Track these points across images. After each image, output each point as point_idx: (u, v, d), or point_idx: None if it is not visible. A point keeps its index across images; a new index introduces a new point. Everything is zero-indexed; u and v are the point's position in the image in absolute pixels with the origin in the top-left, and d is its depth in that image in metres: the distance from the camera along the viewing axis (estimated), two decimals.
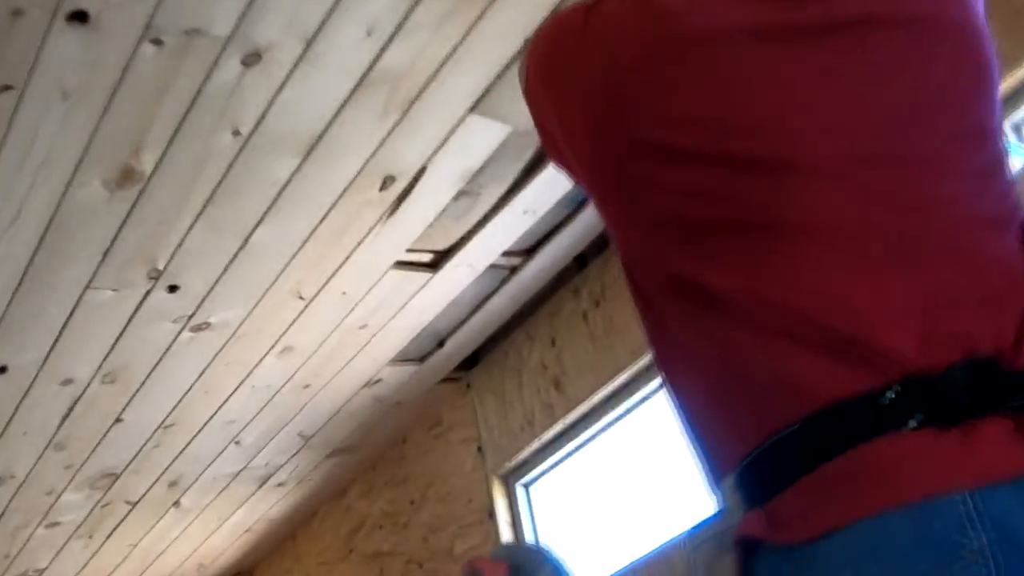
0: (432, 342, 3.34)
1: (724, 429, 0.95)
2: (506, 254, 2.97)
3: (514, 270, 3.07)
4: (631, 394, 3.02)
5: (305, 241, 2.58)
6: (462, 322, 3.25)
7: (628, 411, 3.06)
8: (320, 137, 2.24)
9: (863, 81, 0.95)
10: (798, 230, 0.90)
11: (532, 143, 2.46)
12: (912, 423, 0.83)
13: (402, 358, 3.34)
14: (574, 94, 1.03)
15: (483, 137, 2.38)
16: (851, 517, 0.83)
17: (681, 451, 3.13)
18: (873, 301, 0.87)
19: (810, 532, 0.84)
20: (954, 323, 0.87)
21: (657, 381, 2.93)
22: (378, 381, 3.40)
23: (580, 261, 3.17)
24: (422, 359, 3.39)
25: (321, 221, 2.52)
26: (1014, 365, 0.86)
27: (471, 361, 3.56)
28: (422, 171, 2.44)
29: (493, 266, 3.00)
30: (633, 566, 2.84)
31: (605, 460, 3.18)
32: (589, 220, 2.88)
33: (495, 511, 3.40)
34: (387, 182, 2.44)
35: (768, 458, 0.87)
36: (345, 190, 2.43)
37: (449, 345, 3.35)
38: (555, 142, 1.13)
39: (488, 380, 3.50)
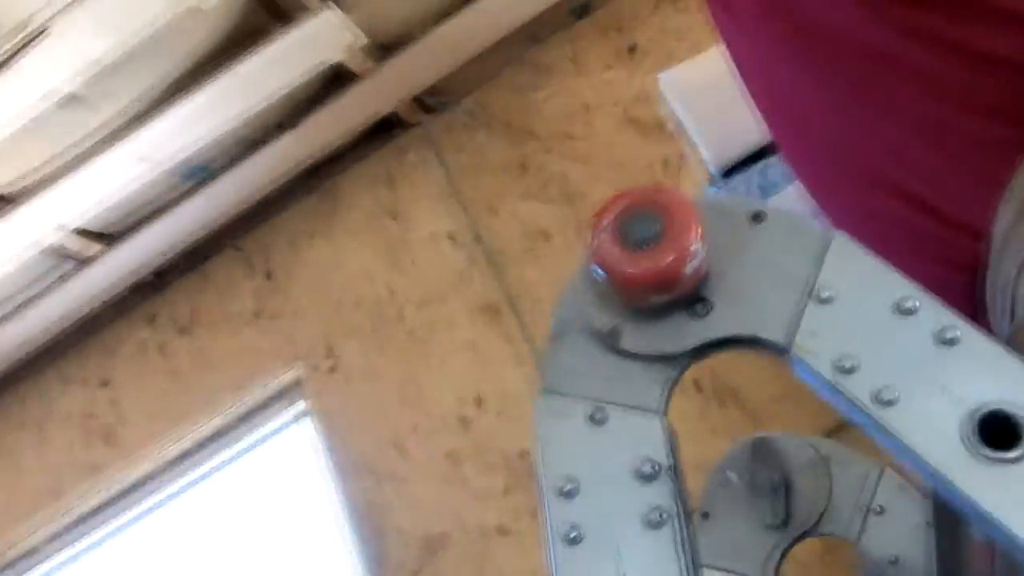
0: None
1: None
2: (81, 233, 2.16)
3: (81, 264, 2.24)
4: (223, 446, 2.28)
5: None
6: None
7: (214, 470, 2.30)
8: None
9: None
10: None
11: (216, 28, 1.83)
12: None
13: None
14: None
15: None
16: None
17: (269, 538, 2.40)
18: None
19: None
20: None
21: (275, 424, 2.25)
22: None
23: (158, 279, 2.44)
24: None
25: None
26: None
27: None
28: (41, 32, 1.66)
29: (58, 250, 2.16)
30: None
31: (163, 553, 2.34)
32: (190, 218, 2.22)
33: None
34: None
35: None
36: None
37: None
38: None
39: None
